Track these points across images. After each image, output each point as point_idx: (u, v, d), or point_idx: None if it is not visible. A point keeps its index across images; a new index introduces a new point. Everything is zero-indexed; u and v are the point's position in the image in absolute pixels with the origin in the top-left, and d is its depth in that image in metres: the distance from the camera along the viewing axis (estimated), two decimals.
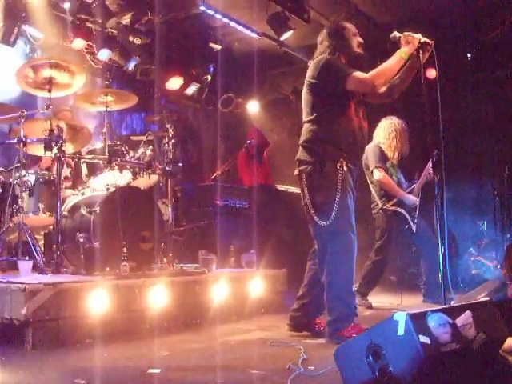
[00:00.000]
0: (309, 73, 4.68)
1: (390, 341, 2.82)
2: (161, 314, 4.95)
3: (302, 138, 4.66)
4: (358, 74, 4.46)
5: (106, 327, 4.49)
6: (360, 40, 4.76)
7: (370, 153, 6.83)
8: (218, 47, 9.72)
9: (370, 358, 2.88)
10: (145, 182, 6.21)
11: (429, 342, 2.73)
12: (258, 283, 6.02)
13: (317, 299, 4.70)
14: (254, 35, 9.20)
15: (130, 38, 8.97)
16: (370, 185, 6.94)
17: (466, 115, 9.23)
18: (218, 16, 8.72)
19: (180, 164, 6.54)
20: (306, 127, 4.67)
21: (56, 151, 5.39)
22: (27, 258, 5.39)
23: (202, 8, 8.50)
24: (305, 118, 4.70)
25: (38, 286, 4.25)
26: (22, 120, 5.52)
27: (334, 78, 4.51)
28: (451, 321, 2.88)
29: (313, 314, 4.85)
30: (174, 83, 9.79)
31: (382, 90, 4.65)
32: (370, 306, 6.64)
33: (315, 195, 4.50)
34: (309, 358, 3.89)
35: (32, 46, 8.36)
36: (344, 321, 4.43)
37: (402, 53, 4.40)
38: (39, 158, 6.56)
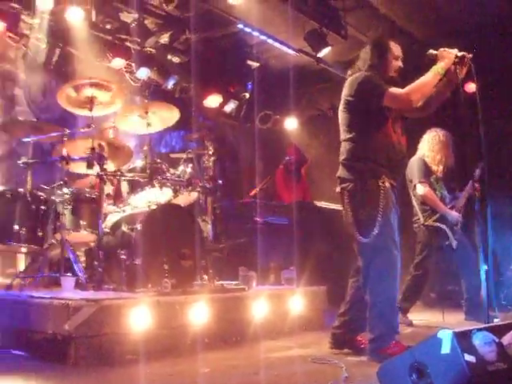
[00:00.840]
0: (345, 90, 4.67)
1: (435, 359, 2.79)
2: (202, 331, 4.94)
3: (342, 156, 4.64)
4: (394, 90, 4.44)
5: (148, 344, 4.48)
6: (399, 65, 4.74)
7: (414, 166, 6.77)
8: (255, 64, 9.78)
9: (414, 376, 2.86)
10: (185, 199, 6.26)
11: (474, 360, 2.70)
12: (298, 300, 6.00)
13: (358, 316, 4.66)
14: (291, 52, 9.23)
15: (169, 57, 9.09)
16: (413, 198, 6.88)
17: (505, 128, 9.11)
18: (256, 33, 8.78)
19: (220, 181, 6.56)
20: (344, 145, 4.65)
21: (98, 169, 5.46)
22: (69, 274, 5.47)
23: (240, 26, 8.57)
24: (342, 135, 4.69)
25: (80, 303, 4.29)
26: (65, 138, 5.64)
27: (370, 95, 4.50)
28: (497, 339, 2.84)
29: (354, 331, 4.81)
30: (213, 101, 9.87)
31: (419, 104, 4.62)
32: (410, 324, 6.56)
33: (358, 212, 4.48)
34: (351, 375, 3.85)
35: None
36: (386, 338, 4.38)
37: (439, 68, 4.40)
38: (80, 178, 6.64)
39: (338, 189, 4.63)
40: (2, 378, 3.85)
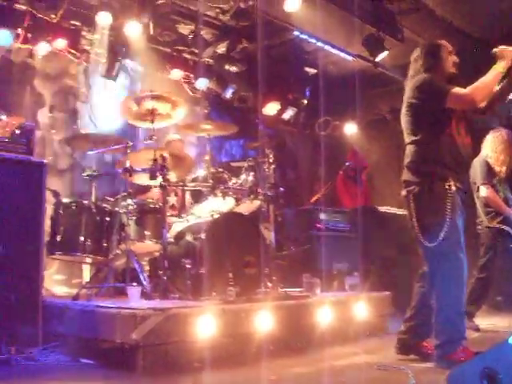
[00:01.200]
0: (408, 93, 4.64)
1: (507, 365, 2.74)
2: (266, 338, 4.93)
3: (407, 159, 4.60)
4: (457, 90, 4.39)
5: (214, 351, 4.50)
6: (455, 59, 4.70)
7: (477, 167, 6.64)
8: (313, 71, 9.78)
9: (485, 382, 2.81)
10: (247, 207, 6.29)
11: None
12: (363, 306, 5.96)
13: (425, 321, 4.59)
14: (348, 57, 9.19)
15: (226, 67, 9.16)
16: (476, 200, 6.75)
17: None
18: (312, 40, 8.77)
19: (282, 189, 6.57)
20: (409, 148, 4.61)
21: (161, 180, 5.53)
22: (134, 284, 5.55)
23: (296, 33, 8.59)
24: (407, 138, 4.65)
25: (147, 312, 4.35)
26: (128, 151, 5.74)
27: (433, 97, 4.46)
28: None
29: (421, 336, 4.74)
30: (271, 108, 9.90)
31: (482, 104, 4.56)
32: (477, 329, 6.42)
33: (424, 216, 4.42)
34: (418, 382, 3.81)
35: (132, 78, 8.64)
36: (453, 344, 4.31)
37: (499, 67, 4.35)
38: (145, 190, 6.73)
39: (403, 192, 4.58)
40: None
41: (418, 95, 4.51)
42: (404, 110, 4.67)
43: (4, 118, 3.95)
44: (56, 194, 6.09)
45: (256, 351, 4.84)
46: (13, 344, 4.58)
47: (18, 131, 4.24)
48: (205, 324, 4.51)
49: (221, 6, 8.16)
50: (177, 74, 8.78)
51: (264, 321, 4.93)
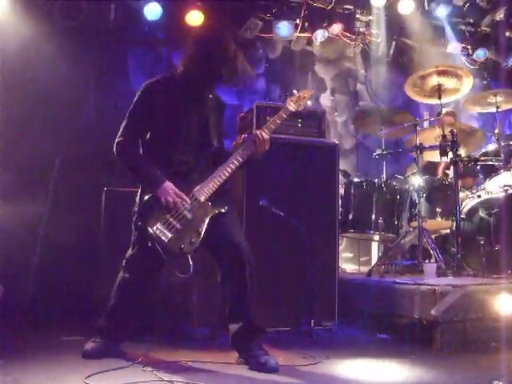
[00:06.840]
0: None
1: None
2: None
3: None
4: None
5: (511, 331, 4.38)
6: None
7: None
8: None
9: None
10: None
11: None
12: None
13: None
14: None
15: (507, 34, 8.77)
16: None
17: None
18: None
19: None
20: None
21: (452, 156, 5.48)
22: (426, 261, 5.59)
23: None
24: None
25: (446, 288, 4.37)
26: (418, 128, 5.78)
27: None
28: None
29: None
30: None
31: None
32: None
33: None
34: None
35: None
36: None
37: None
38: (435, 165, 6.71)
39: None
40: (365, 359, 4.04)
41: None
42: None
43: (295, 91, 4.17)
44: (346, 174, 6.31)
45: None
46: (312, 317, 4.85)
47: (309, 102, 4.38)
48: (503, 302, 4.41)
49: None
50: (454, 47, 8.60)
51: None
